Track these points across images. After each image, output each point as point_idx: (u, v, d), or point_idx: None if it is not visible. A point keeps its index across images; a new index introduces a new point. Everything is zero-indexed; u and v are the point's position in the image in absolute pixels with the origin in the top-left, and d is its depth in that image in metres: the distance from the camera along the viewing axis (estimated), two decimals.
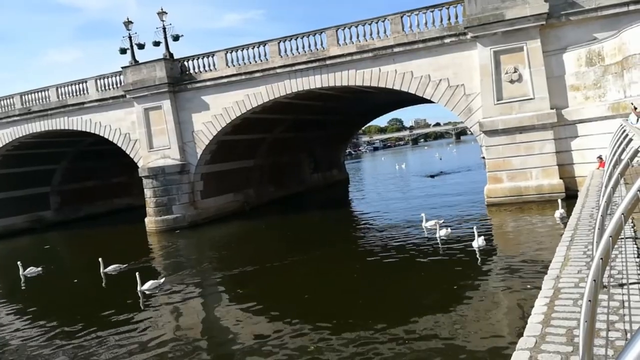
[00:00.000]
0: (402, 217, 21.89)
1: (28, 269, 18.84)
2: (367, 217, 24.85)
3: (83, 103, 28.67)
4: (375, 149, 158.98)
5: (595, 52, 18.78)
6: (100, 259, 17.29)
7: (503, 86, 20.18)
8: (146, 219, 26.33)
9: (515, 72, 19.95)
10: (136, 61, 26.96)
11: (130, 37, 27.26)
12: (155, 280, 13.99)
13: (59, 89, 29.57)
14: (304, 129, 35.24)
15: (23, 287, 17.40)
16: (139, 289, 13.44)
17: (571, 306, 4.50)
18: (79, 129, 29.24)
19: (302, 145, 37.93)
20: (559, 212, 15.82)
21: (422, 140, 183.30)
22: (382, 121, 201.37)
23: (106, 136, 28.55)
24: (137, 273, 13.84)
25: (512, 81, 20.04)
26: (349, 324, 9.38)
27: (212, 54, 25.72)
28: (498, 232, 16.79)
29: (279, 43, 24.31)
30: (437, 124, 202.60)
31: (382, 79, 22.64)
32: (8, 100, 31.20)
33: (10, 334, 11.84)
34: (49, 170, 36.53)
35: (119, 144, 28.24)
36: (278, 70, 24.22)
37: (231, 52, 25.30)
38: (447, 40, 21.36)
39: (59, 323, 12.10)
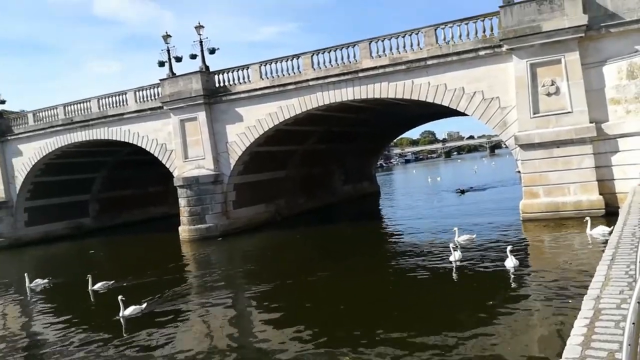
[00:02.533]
0: (433, 231, 21.58)
1: (35, 281, 18.84)
2: (398, 230, 24.62)
3: (122, 114, 29.62)
4: (407, 161, 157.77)
5: (637, 64, 18.22)
6: (89, 276, 16.70)
7: (540, 99, 19.78)
8: (180, 228, 26.84)
9: (552, 85, 19.54)
10: (173, 74, 27.72)
11: (168, 50, 28.08)
12: (138, 306, 13.03)
13: (100, 100, 30.67)
14: (335, 140, 35.36)
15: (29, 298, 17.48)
16: (120, 314, 12.63)
17: (612, 328, 4.36)
18: (118, 139, 30.19)
19: (333, 156, 38.04)
20: (595, 230, 15.42)
21: (455, 153, 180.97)
22: (414, 133, 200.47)
23: (143, 146, 29.36)
24: (120, 297, 12.85)
25: (549, 94, 19.63)
26: (382, 337, 9.29)
27: (246, 66, 26.20)
28: (534, 248, 16.36)
29: (312, 56, 24.57)
30: (471, 137, 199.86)
31: (415, 92, 22.55)
32: (52, 111, 32.54)
33: None
34: (89, 178, 37.88)
35: (156, 154, 28.98)
36: (311, 83, 24.45)
37: (265, 65, 25.71)
38: (481, 53, 21.13)
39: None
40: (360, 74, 23.40)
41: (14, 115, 35.65)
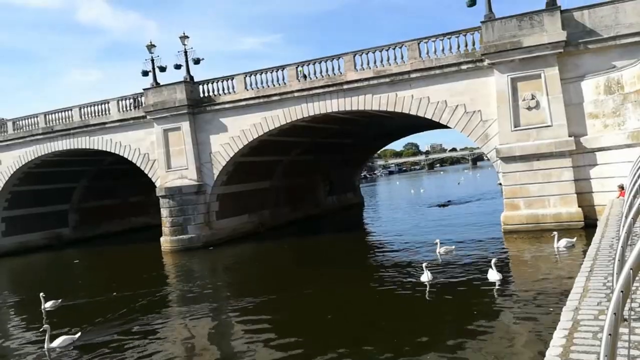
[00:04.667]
0: (416, 243, 21.68)
1: None
2: (381, 242, 24.69)
3: (105, 123, 29.30)
4: (391, 172, 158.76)
5: (615, 80, 18.68)
6: (41, 294, 15.57)
7: (520, 113, 20.13)
8: (162, 239, 26.52)
9: (532, 99, 19.92)
10: (157, 83, 27.57)
11: (152, 60, 27.94)
12: (69, 336, 11.62)
13: (82, 109, 30.31)
14: (320, 151, 35.43)
15: None
16: (46, 346, 11.21)
17: (591, 339, 4.41)
18: (100, 148, 29.82)
19: (317, 168, 38.09)
20: (560, 243, 15.75)
21: (437, 165, 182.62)
22: (398, 145, 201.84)
23: (126, 156, 29.04)
24: (46, 326, 11.44)
25: (529, 108, 20.00)
26: (364, 352, 9.26)
27: (231, 77, 26.19)
28: (515, 260, 16.54)
29: (297, 67, 24.68)
30: (454, 149, 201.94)
31: (399, 104, 22.77)
32: (32, 119, 32.04)
33: None
34: (68, 188, 37.23)
35: (138, 164, 28.67)
36: (296, 94, 24.53)
37: (250, 76, 25.74)
38: (464, 67, 21.47)
39: None
40: (345, 86, 23.56)
41: None
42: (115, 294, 16.83)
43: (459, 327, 9.85)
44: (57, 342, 11.27)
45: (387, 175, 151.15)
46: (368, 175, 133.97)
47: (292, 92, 24.57)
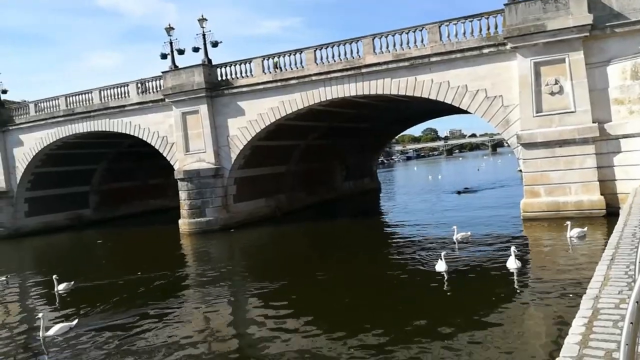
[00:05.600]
0: (433, 230, 21.55)
1: None
2: (397, 228, 24.60)
3: (124, 106, 29.55)
4: (409, 158, 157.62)
5: None
6: (54, 277, 15.50)
7: (543, 98, 19.69)
8: (180, 221, 26.82)
9: (556, 84, 19.45)
10: (176, 66, 27.63)
11: (171, 43, 27.96)
12: (66, 324, 11.30)
13: (102, 92, 30.60)
14: (337, 136, 35.29)
15: None
16: (41, 334, 10.80)
17: (611, 328, 4.32)
18: (120, 131, 30.14)
19: (334, 152, 37.98)
20: (572, 232, 15.51)
21: (457, 151, 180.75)
22: (416, 130, 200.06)
23: (145, 139, 29.32)
24: (41, 314, 11.16)
25: (552, 93, 19.55)
26: (380, 338, 9.24)
27: (249, 60, 26.11)
28: (533, 248, 16.33)
29: (315, 51, 24.48)
30: (473, 135, 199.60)
31: (418, 89, 22.46)
32: (54, 102, 32.48)
33: None
34: (89, 170, 37.88)
35: (157, 147, 28.93)
36: (313, 78, 24.37)
37: (268, 59, 25.62)
38: (485, 51, 21.03)
39: None
40: (364, 70, 23.31)
41: (16, 105, 35.60)
42: (140, 273, 16.99)
43: (476, 315, 9.77)
44: (52, 331, 10.92)
45: (405, 160, 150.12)
46: (385, 161, 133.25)
47: (310, 75, 24.40)
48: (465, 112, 23.26)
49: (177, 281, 16.01)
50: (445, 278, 12.67)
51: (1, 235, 33.02)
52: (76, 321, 11.45)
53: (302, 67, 24.76)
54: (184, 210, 26.70)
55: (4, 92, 35.26)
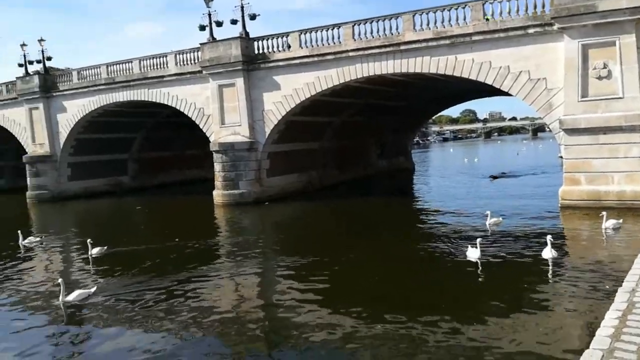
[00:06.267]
0: (465, 213, 21.18)
1: (28, 239, 18.55)
2: (429, 209, 24.35)
3: (163, 76, 29.98)
4: (445, 139, 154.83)
5: None
6: (89, 241, 15.88)
7: (589, 82, 18.85)
8: (214, 192, 27.30)
9: (604, 68, 18.56)
10: (214, 38, 27.73)
11: (209, 15, 28.04)
12: (84, 290, 11.47)
13: (142, 62, 31.10)
14: (372, 114, 34.92)
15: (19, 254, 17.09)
16: (61, 299, 11.01)
17: None
18: (158, 101, 30.68)
19: (369, 130, 37.66)
20: (607, 224, 14.94)
21: (495, 134, 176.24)
22: (454, 111, 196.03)
23: (182, 109, 29.77)
24: (60, 279, 11.37)
25: (600, 77, 18.67)
26: (406, 317, 9.18)
27: (286, 34, 25.95)
28: (570, 237, 15.86)
29: (353, 26, 24.08)
30: (513, 118, 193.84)
31: (458, 68, 21.87)
32: (95, 70, 33.27)
33: None
34: (128, 138, 38.97)
35: (194, 118, 29.35)
36: (351, 54, 24.04)
37: (305, 34, 25.39)
38: (530, 31, 20.21)
39: None
40: (402, 47, 22.83)
41: (60, 72, 36.64)
42: (177, 240, 17.31)
43: (507, 303, 9.54)
44: (72, 296, 11.03)
45: (441, 142, 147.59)
46: (421, 141, 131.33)
47: (347, 51, 24.08)
48: (506, 94, 22.57)
49: (209, 250, 16.36)
50: (479, 264, 12.42)
51: (45, 198, 34.53)
52: (95, 288, 11.61)
53: (340, 42, 24.44)
54: (218, 182, 27.14)
55: (49, 59, 36.30)
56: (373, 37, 23.61)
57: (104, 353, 8.60)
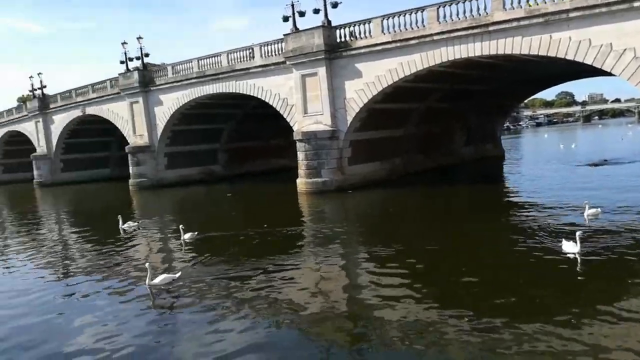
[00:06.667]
0: (561, 203, 19.76)
1: (127, 223, 19.79)
2: (521, 199, 22.97)
3: (249, 68, 31.02)
4: (539, 124, 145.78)
5: None
6: (181, 226, 16.59)
7: None
8: (298, 180, 27.90)
9: None
10: (297, 29, 28.14)
11: (292, 5, 28.46)
12: (169, 275, 11.87)
13: (229, 55, 32.37)
14: (458, 99, 33.65)
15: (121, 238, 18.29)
16: (147, 282, 11.46)
17: None
18: (244, 92, 31.82)
19: (455, 116, 36.39)
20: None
21: (595, 117, 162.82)
22: (549, 94, 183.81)
23: (267, 100, 30.64)
24: (147, 263, 11.93)
25: None
26: (494, 312, 8.79)
27: (368, 21, 25.68)
28: None
29: (438, 8, 23.28)
30: (617, 100, 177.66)
31: (553, 48, 20.40)
32: (187, 64, 35.19)
33: None
34: (218, 129, 41.04)
35: (277, 108, 30.11)
36: (435, 37, 23.29)
37: (387, 19, 24.97)
38: (636, 4, 18.30)
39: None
40: (491, 28, 21.72)
41: (156, 67, 39.20)
42: (265, 226, 17.87)
43: (608, 305, 8.69)
44: (157, 280, 11.43)
45: (534, 126, 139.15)
46: (512, 127, 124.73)
47: (432, 35, 23.35)
48: (609, 74, 20.70)
49: (293, 237, 16.72)
50: (578, 261, 11.51)
51: (145, 185, 37.36)
52: (179, 273, 11.99)
53: (424, 26, 23.75)
54: (301, 170, 27.70)
55: (146, 55, 38.90)
56: (459, 19, 22.68)
57: (183, 335, 8.96)
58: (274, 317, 9.45)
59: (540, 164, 37.03)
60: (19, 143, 58.74)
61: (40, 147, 52.05)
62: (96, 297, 11.48)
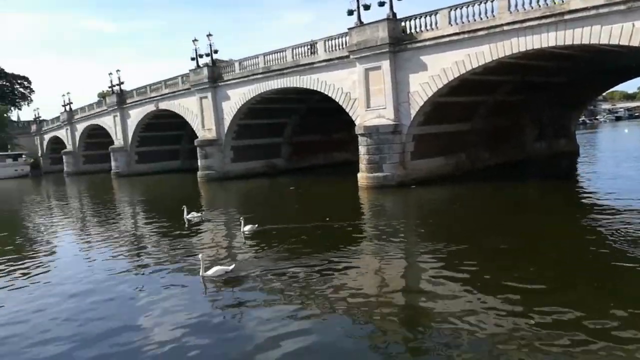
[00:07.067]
0: None
1: (191, 213, 20.40)
2: (598, 200, 21.15)
3: (313, 63, 31.25)
4: (618, 118, 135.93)
5: None
6: (242, 218, 17.19)
7: None
8: (359, 175, 27.83)
9: None
10: (361, 22, 27.96)
11: None
12: (223, 267, 11.95)
13: (294, 50, 32.78)
14: (529, 92, 32.14)
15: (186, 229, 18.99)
16: (201, 273, 11.69)
17: None
18: (308, 87, 32.12)
19: (525, 109, 34.79)
20: None
21: None
22: (630, 86, 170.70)
23: (330, 94, 30.76)
24: (200, 255, 12.26)
25: None
26: (570, 323, 8.28)
27: (434, 12, 25.06)
28: None
29: None
30: None
31: (636, 37, 18.98)
32: (254, 60, 36.04)
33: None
34: (282, 123, 41.79)
35: (340, 103, 30.14)
36: (505, 28, 22.34)
37: (455, 10, 24.23)
38: None
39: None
40: (567, 17, 20.51)
41: (224, 63, 40.51)
42: (327, 219, 18.03)
43: None
44: (210, 272, 11.59)
45: (613, 121, 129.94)
46: (588, 121, 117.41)
47: (502, 25, 22.42)
48: None
49: (353, 232, 16.68)
50: None
51: (212, 177, 38.83)
52: (233, 265, 12.12)
53: (493, 16, 22.86)
54: (362, 165, 27.60)
55: (215, 52, 40.25)
56: (532, 8, 21.62)
57: (232, 325, 9.17)
58: (328, 310, 9.47)
59: (620, 162, 34.54)
60: (99, 136, 62.93)
61: (118, 140, 55.40)
62: (152, 282, 12.12)
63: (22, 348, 8.72)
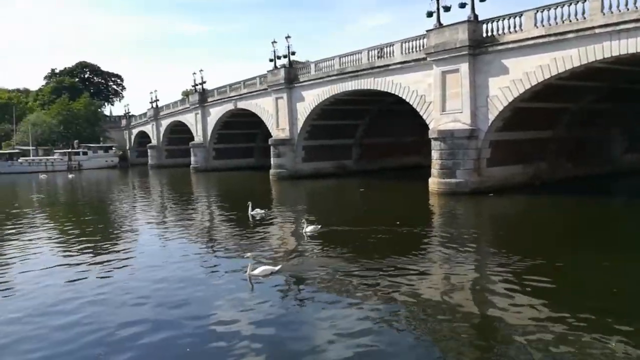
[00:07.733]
0: None
1: (255, 210, 20.87)
2: None
3: (388, 65, 30.99)
4: None
5: None
6: (304, 219, 17.39)
7: None
8: (430, 180, 27.20)
9: None
10: (441, 24, 27.33)
11: (437, 0, 27.67)
12: (269, 267, 11.98)
13: (369, 52, 32.69)
14: (620, 99, 29.82)
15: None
16: (248, 272, 11.67)
17: None
18: (382, 89, 31.90)
19: (615, 118, 32.32)
20: None
21: None
22: None
23: (404, 97, 30.34)
24: (249, 254, 12.51)
25: None
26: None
27: (519, 14, 23.94)
28: None
29: None
30: None
31: None
32: (329, 62, 36.37)
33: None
34: (353, 125, 41.86)
35: (414, 105, 29.64)
36: (597, 31, 20.90)
37: (542, 11, 23.02)
38: None
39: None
40: None
41: (300, 65, 41.22)
42: (398, 223, 17.72)
43: None
44: (257, 271, 11.66)
45: None
46: None
47: (593, 27, 20.98)
48: None
49: (419, 238, 16.32)
50: None
51: (284, 176, 39.67)
52: (280, 266, 12.12)
53: (584, 18, 21.46)
54: (434, 170, 26.94)
55: (293, 53, 41.06)
56: (627, 10, 20.06)
57: (290, 321, 9.23)
58: (391, 317, 9.24)
59: None
60: (180, 132, 66.47)
61: (198, 137, 58.16)
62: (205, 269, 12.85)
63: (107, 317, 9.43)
